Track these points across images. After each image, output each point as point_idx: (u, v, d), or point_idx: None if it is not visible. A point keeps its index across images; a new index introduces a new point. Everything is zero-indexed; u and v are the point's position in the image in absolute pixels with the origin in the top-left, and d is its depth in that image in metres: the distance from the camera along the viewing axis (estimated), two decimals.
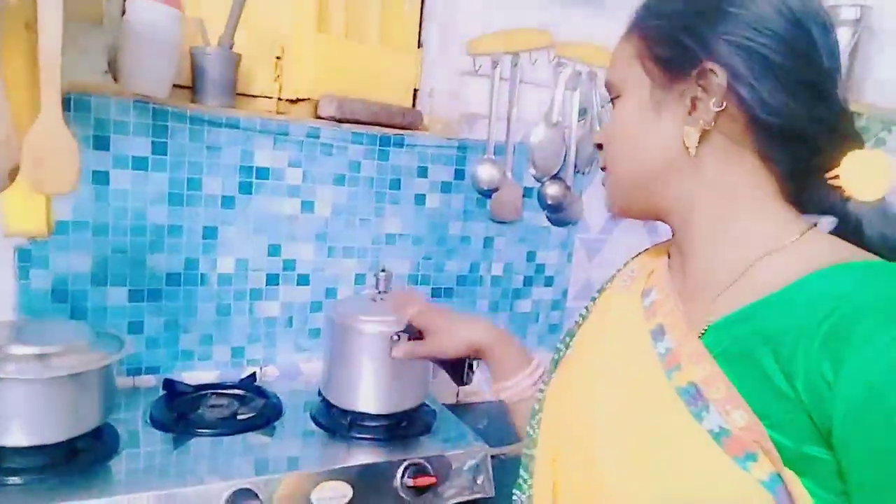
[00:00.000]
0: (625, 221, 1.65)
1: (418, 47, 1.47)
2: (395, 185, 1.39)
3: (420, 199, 1.43)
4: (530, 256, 1.57)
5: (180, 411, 1.11)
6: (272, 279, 1.31)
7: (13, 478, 0.90)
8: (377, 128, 1.35)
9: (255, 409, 1.16)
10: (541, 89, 1.44)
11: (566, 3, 1.50)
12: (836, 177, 0.57)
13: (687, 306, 0.60)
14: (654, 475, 0.53)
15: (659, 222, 0.65)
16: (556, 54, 1.43)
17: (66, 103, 1.07)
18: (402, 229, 1.41)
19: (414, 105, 1.49)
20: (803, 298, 0.50)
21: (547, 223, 1.53)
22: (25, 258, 1.11)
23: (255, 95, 1.32)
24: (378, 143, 1.35)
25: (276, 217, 1.29)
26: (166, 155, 1.18)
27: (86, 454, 0.97)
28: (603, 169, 0.67)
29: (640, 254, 0.75)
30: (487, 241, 1.51)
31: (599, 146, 0.67)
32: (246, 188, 1.26)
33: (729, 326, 0.55)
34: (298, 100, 1.36)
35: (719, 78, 0.55)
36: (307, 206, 1.32)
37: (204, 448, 1.04)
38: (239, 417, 1.13)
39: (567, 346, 0.75)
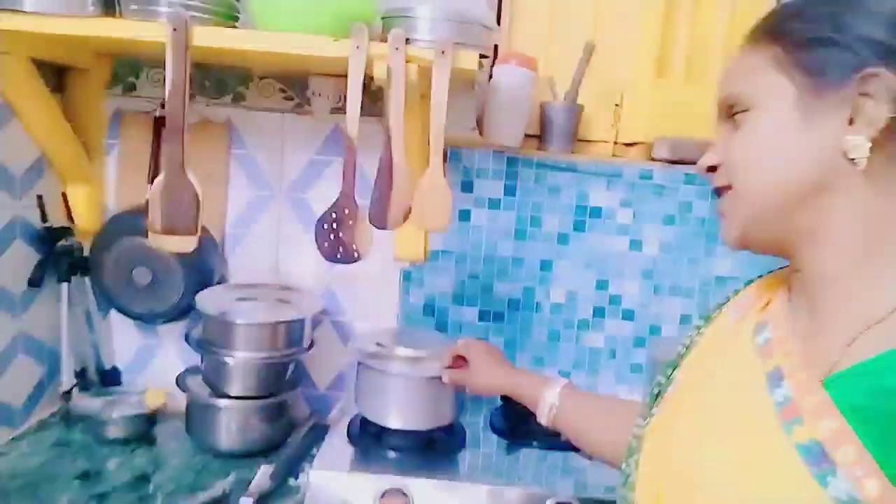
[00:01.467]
0: None
1: None
2: None
3: None
4: None
5: (515, 422, 1.26)
6: (599, 312, 1.40)
7: (391, 452, 1.15)
8: None
9: None
10: None
11: None
12: None
13: (809, 349, 0.53)
14: None
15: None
16: None
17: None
18: (731, 271, 1.37)
19: None
20: None
21: None
22: (407, 278, 1.40)
23: (594, 141, 1.44)
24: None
25: (606, 254, 1.38)
26: (515, 196, 1.37)
27: (440, 444, 1.18)
28: (720, 191, 0.59)
29: (755, 280, 0.67)
30: None
31: (713, 168, 0.60)
32: (580, 226, 1.38)
33: (862, 376, 0.48)
34: (634, 143, 1.43)
35: (888, 81, 0.50)
36: (635, 244, 1.38)
37: (531, 458, 1.18)
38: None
39: (668, 378, 0.69)
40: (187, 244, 1.07)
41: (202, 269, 1.32)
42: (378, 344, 1.22)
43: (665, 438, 0.63)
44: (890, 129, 0.50)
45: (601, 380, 1.42)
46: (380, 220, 1.06)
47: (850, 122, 0.52)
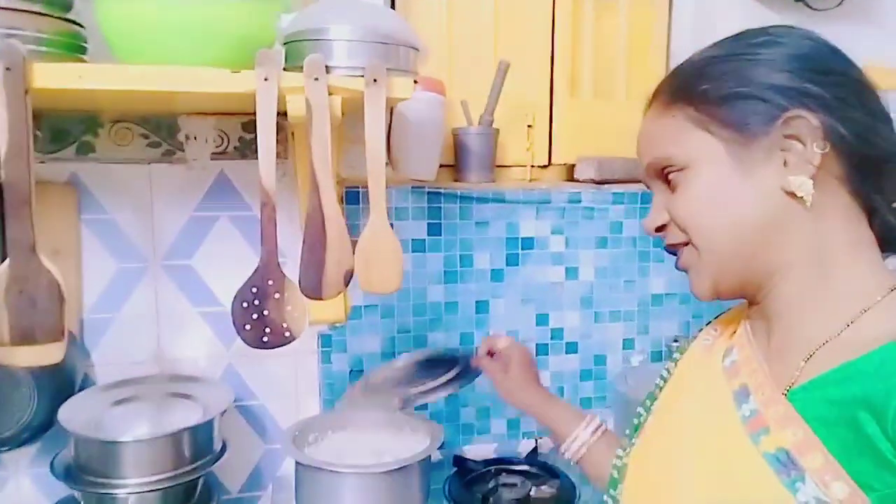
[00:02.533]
0: None
1: None
2: (659, 242, 1.32)
3: None
4: None
5: (475, 490, 1.11)
6: (542, 349, 1.29)
7: None
8: (637, 185, 1.30)
9: (551, 489, 1.13)
10: None
11: (833, 23, 1.36)
12: None
13: (772, 368, 0.56)
14: None
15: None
16: None
17: (350, 196, 1.15)
18: (668, 289, 1.34)
19: None
20: None
21: None
22: (327, 343, 1.19)
23: (509, 165, 1.34)
24: (639, 201, 1.30)
25: (542, 286, 1.28)
26: (440, 235, 1.22)
27: None
28: (677, 248, 0.61)
29: (721, 314, 0.72)
30: None
31: (661, 228, 0.62)
32: (513, 260, 1.26)
33: (821, 388, 0.51)
34: (547, 165, 1.35)
35: (811, 121, 0.53)
36: (571, 272, 1.29)
37: None
38: (534, 496, 1.11)
39: (647, 410, 0.71)
40: (52, 354, 0.79)
41: (58, 373, 1.01)
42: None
43: (644, 466, 0.66)
44: (821, 163, 0.53)
45: None
46: (314, 289, 0.86)
47: (785, 164, 0.54)
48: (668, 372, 0.72)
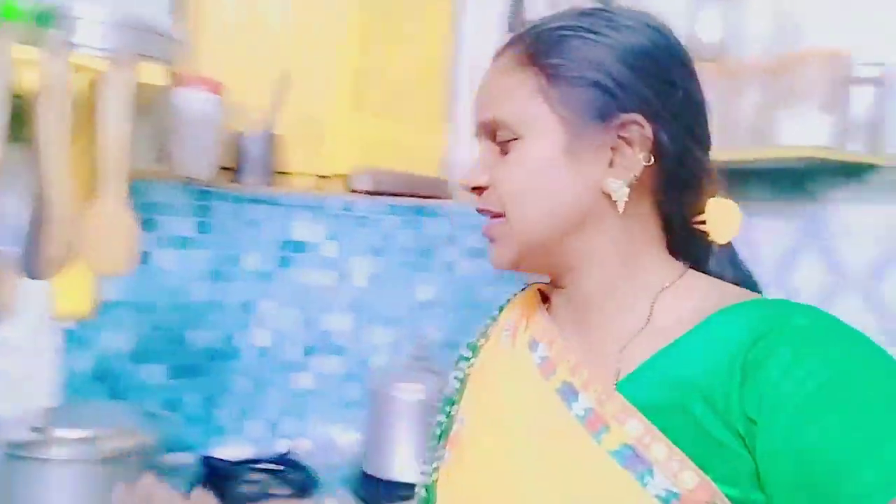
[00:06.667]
0: None
1: (446, 120, 1.53)
2: (428, 253, 1.42)
3: (451, 266, 1.45)
4: None
5: (218, 488, 1.10)
6: (308, 351, 1.32)
7: None
8: (410, 198, 1.39)
9: (293, 483, 1.15)
10: None
11: None
12: (703, 221, 0.56)
13: (594, 362, 0.55)
14: None
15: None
16: None
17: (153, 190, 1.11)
18: (435, 296, 1.43)
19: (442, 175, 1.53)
20: (714, 340, 0.49)
21: None
22: (71, 339, 1.12)
23: (293, 173, 1.36)
24: (412, 213, 1.38)
25: (313, 289, 1.31)
26: (209, 233, 1.21)
27: None
28: (492, 215, 0.57)
29: (507, 303, 0.69)
30: None
31: (479, 189, 0.58)
32: (284, 262, 1.28)
33: (645, 377, 0.51)
34: (333, 176, 1.39)
35: (645, 130, 0.52)
36: (343, 277, 1.34)
37: None
38: (275, 492, 1.12)
39: (448, 417, 0.66)
40: None
41: None
42: (34, 429, 0.94)
43: (467, 482, 0.60)
44: (642, 172, 0.53)
45: (312, 422, 1.33)
46: (34, 268, 0.82)
47: (611, 163, 0.53)
48: (464, 373, 0.68)
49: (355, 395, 1.36)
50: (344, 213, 1.33)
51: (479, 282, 1.48)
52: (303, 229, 1.29)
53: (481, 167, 0.58)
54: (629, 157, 0.53)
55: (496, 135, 0.56)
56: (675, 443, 0.47)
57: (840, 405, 0.42)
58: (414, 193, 1.40)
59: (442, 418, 0.67)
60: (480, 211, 0.58)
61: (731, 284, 0.56)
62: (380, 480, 1.14)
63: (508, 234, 0.56)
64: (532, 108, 0.54)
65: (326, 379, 1.34)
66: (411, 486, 1.09)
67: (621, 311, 0.55)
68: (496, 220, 0.57)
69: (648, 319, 0.54)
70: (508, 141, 0.55)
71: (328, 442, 1.35)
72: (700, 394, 0.47)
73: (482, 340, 0.68)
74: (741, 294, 0.53)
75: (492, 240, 0.58)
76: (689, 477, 0.46)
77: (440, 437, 0.66)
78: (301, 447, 1.32)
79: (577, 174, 0.54)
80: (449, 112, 1.50)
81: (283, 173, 1.34)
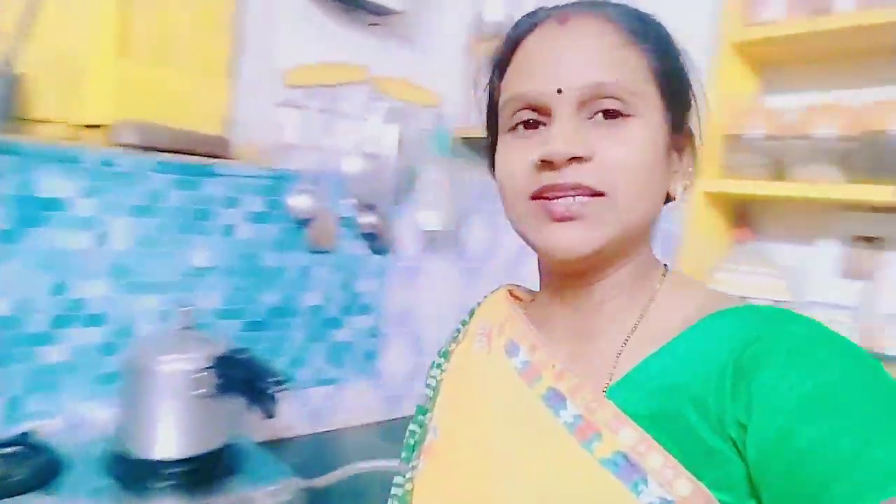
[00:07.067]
0: (438, 251, 1.73)
1: (229, 75, 1.42)
2: (204, 215, 1.33)
3: (230, 229, 1.38)
4: (347, 285, 1.58)
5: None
6: (58, 321, 1.18)
7: None
8: (185, 156, 1.28)
9: (31, 468, 1.04)
10: (356, 121, 1.47)
11: (383, 38, 1.55)
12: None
13: (583, 367, 0.54)
14: None
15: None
16: (373, 89, 1.48)
17: None
18: (211, 262, 1.35)
19: (224, 134, 1.44)
20: (705, 344, 0.49)
21: (363, 252, 1.56)
22: None
23: (41, 120, 1.19)
24: (186, 172, 1.28)
25: (64, 252, 1.17)
26: None
27: None
28: (591, 193, 0.50)
29: (477, 307, 0.67)
30: (304, 271, 1.49)
31: (578, 159, 0.50)
32: (29, 221, 1.13)
33: (635, 382, 0.51)
34: (95, 126, 1.24)
35: (695, 141, 0.56)
36: (101, 239, 1.21)
37: None
38: (11, 479, 1.01)
39: (421, 426, 0.65)
40: None
41: None
42: None
43: (444, 492, 0.57)
44: None
45: (65, 398, 1.21)
46: None
47: (676, 167, 0.56)
48: (436, 380, 0.65)
49: (114, 368, 1.25)
50: (104, 169, 1.19)
51: (261, 247, 1.42)
52: (52, 184, 1.14)
53: (575, 136, 0.50)
54: (686, 166, 0.56)
55: (595, 103, 0.51)
56: (666, 449, 0.47)
57: (831, 408, 0.42)
58: (190, 151, 1.30)
59: (415, 428, 0.65)
60: (572, 187, 0.50)
61: (716, 290, 0.56)
62: (137, 460, 1.07)
63: (608, 214, 0.50)
64: (645, 87, 0.52)
65: (80, 352, 1.21)
66: (171, 464, 1.06)
67: (622, 314, 0.55)
68: (591, 199, 0.50)
69: (638, 323, 0.54)
70: (615, 115, 0.51)
71: (81, 420, 1.23)
72: (691, 399, 0.47)
73: (453, 345, 0.65)
74: (729, 299, 0.53)
75: (573, 219, 0.51)
76: (684, 484, 0.45)
77: (413, 447, 0.64)
78: (49, 427, 1.19)
79: (665, 170, 0.54)
80: (232, 66, 1.41)
81: (29, 120, 1.17)
